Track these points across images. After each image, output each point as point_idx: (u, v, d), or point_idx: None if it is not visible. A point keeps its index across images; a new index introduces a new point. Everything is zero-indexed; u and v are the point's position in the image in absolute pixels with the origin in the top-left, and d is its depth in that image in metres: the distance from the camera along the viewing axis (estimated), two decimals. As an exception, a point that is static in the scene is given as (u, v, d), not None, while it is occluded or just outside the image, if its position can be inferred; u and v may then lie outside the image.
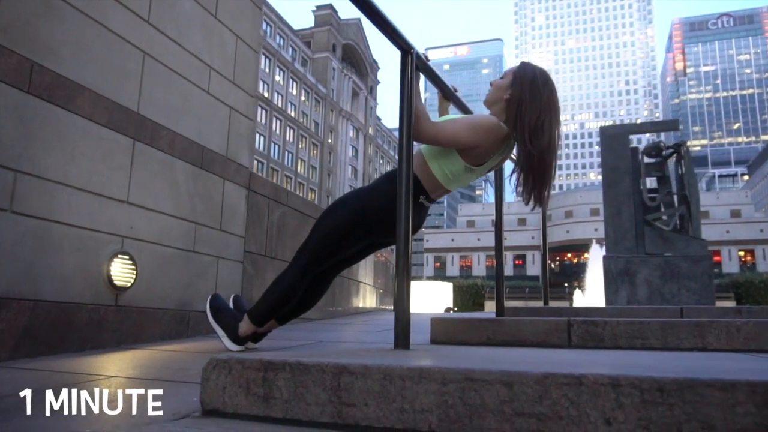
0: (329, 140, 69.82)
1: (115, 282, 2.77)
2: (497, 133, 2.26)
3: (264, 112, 57.95)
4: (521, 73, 2.28)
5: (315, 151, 67.66)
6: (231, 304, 2.72)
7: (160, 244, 3.11)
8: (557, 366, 1.36)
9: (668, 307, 4.35)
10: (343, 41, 74.50)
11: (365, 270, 6.90)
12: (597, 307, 5.16)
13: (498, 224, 3.68)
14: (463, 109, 2.92)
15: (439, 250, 57.23)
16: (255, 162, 54.90)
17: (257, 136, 56.18)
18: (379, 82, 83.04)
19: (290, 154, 62.53)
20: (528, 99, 2.20)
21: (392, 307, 7.72)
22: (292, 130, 63.31)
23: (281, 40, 62.43)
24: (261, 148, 56.63)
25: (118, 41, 2.87)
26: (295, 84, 63.76)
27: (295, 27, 67.95)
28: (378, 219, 2.34)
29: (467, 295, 29.10)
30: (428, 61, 2.37)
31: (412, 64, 2.18)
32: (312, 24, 73.82)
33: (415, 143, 2.23)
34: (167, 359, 2.45)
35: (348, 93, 74.74)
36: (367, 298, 6.85)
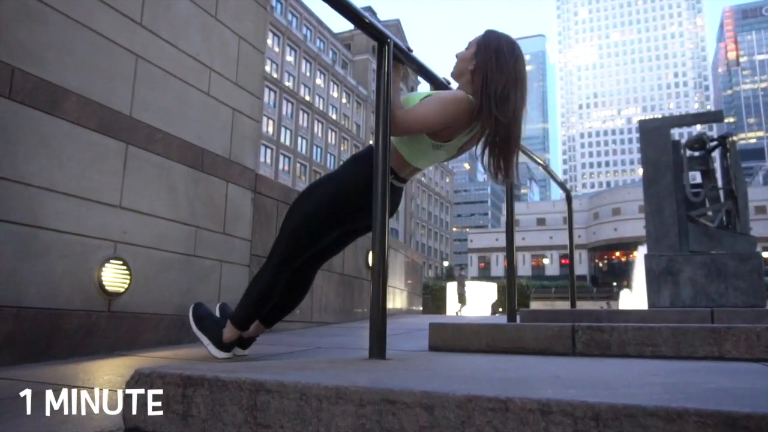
0: (371, 141, 69.72)
1: (106, 287, 2.73)
2: (465, 106, 2.15)
3: (305, 115, 58.61)
4: (485, 42, 2.20)
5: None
6: (218, 313, 2.65)
7: (157, 249, 3.06)
8: (512, 384, 1.21)
9: (697, 309, 4.07)
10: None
11: (393, 270, 6.79)
12: (622, 310, 4.89)
13: (509, 224, 3.51)
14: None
15: (484, 250, 56.61)
16: (297, 165, 55.61)
17: (299, 139, 56.87)
18: (420, 82, 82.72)
19: (332, 157, 63.04)
20: (494, 68, 2.12)
21: (422, 309, 7.57)
22: (333, 133, 63.83)
23: (321, 44, 63.03)
24: (303, 150, 57.29)
25: (108, 44, 2.84)
26: (335, 87, 64.27)
27: (335, 30, 68.52)
28: (349, 203, 2.27)
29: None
30: (411, 51, 2.25)
31: (389, 54, 2.05)
32: (352, 26, 74.12)
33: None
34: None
35: (389, 94, 74.40)
36: (395, 299, 6.73)
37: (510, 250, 3.43)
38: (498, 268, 54.09)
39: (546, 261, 52.46)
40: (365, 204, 2.22)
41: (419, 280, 8.01)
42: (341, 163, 2.47)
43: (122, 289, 2.82)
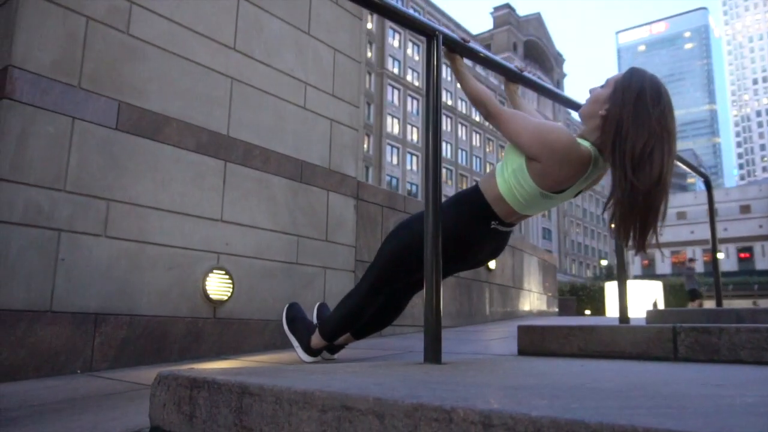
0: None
1: (211, 296, 2.95)
2: (568, 152, 1.86)
3: (449, 119, 58.82)
4: (625, 84, 1.81)
5: (503, 154, 66.53)
6: (315, 313, 2.73)
7: (259, 258, 3.25)
8: (498, 394, 1.11)
9: None
10: (523, 38, 72.79)
11: (526, 273, 6.55)
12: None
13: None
14: (539, 90, 2.60)
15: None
16: (444, 170, 55.92)
17: (444, 144, 57.17)
18: (566, 75, 79.39)
19: (478, 159, 62.53)
20: (631, 118, 1.75)
21: (557, 311, 7.21)
22: (478, 135, 63.33)
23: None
24: (448, 155, 57.49)
25: (204, 71, 3.08)
26: (477, 88, 63.51)
27: (474, 32, 68.12)
28: (443, 248, 1.99)
29: (681, 294, 26.28)
30: (467, 42, 2.15)
31: (437, 48, 1.99)
32: (491, 26, 73.35)
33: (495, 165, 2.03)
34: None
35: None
36: (527, 302, 6.48)
37: (620, 245, 3.13)
38: (664, 265, 49.79)
39: (720, 255, 46.99)
40: (458, 252, 2.13)
41: (554, 282, 7.63)
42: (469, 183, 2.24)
43: (226, 297, 3.02)
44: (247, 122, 3.28)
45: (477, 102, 2.06)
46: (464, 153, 60.16)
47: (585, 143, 1.92)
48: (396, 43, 53.79)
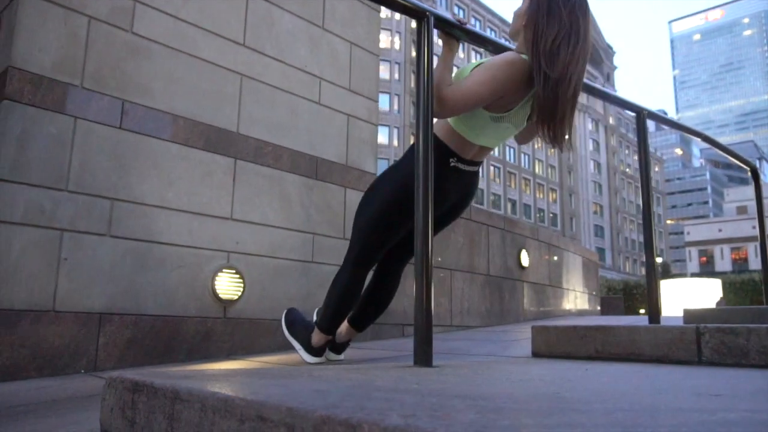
0: (566, 136, 66.76)
1: (220, 296, 2.91)
2: (518, 67, 1.90)
3: (495, 117, 57.97)
4: None
5: (552, 150, 65.15)
6: (315, 317, 2.65)
7: (271, 257, 3.19)
8: (438, 405, 0.99)
9: None
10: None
11: (566, 272, 6.32)
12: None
13: (648, 213, 2.99)
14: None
15: (705, 242, 50.35)
16: (491, 168, 55.21)
17: (491, 142, 56.32)
18: (616, 67, 77.18)
19: (526, 156, 61.47)
20: (545, 18, 1.88)
21: (599, 309, 6.92)
22: (525, 132, 62.16)
23: (505, 42, 61.99)
24: (496, 153, 56.74)
25: (212, 68, 3.04)
26: (524, 84, 62.55)
27: (519, 27, 66.90)
28: (406, 200, 2.03)
29: (742, 292, 25.14)
30: (464, 24, 2.02)
31: (428, 30, 1.86)
32: (536, 20, 71.99)
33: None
34: (273, 373, 2.47)
35: (582, 84, 70.74)
36: (567, 301, 6.24)
37: (648, 237, 2.92)
38: (723, 262, 47.64)
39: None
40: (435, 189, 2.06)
41: (596, 280, 7.33)
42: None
43: (236, 297, 2.97)
44: (258, 119, 3.23)
45: (435, 87, 1.92)
46: (512, 150, 59.21)
47: (524, 57, 1.94)
48: (441, 42, 53.34)
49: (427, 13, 1.87)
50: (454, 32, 2.03)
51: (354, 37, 3.86)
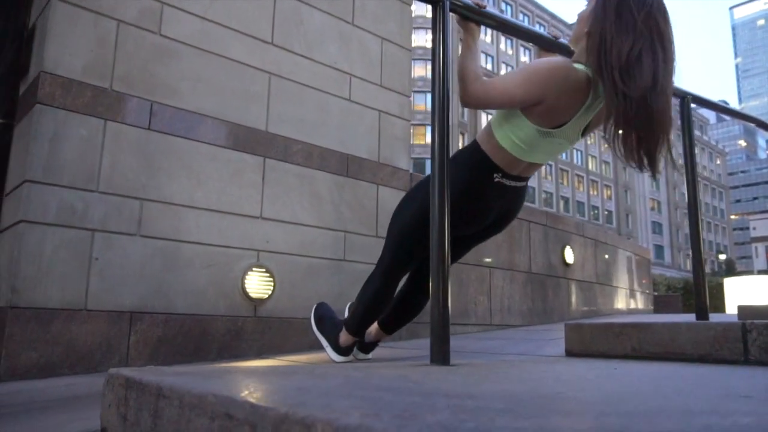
0: (620, 131, 64.90)
1: (250, 294, 2.91)
2: (565, 76, 1.71)
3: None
4: None
5: (605, 145, 63.54)
6: (347, 313, 2.61)
7: (302, 255, 3.17)
8: (424, 405, 0.92)
9: None
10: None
11: (614, 269, 6.09)
12: None
13: (692, 206, 2.81)
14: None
15: (772, 239, 47.83)
16: (552, 167, 54.15)
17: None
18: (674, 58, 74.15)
19: (579, 152, 60.03)
20: (614, 26, 1.62)
21: (653, 309, 6.64)
22: (577, 127, 60.76)
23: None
24: (547, 150, 55.59)
25: (240, 67, 3.05)
26: (575, 79, 61.23)
27: (570, 21, 65.54)
28: (456, 209, 1.96)
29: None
30: (483, 8, 1.93)
31: (444, 16, 1.79)
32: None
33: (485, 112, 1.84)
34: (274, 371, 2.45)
35: (636, 76, 68.77)
36: (611, 298, 6.02)
37: (695, 230, 2.75)
38: (794, 259, 45.14)
39: None
40: (465, 211, 1.96)
41: (649, 278, 7.04)
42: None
43: (266, 295, 2.97)
44: (287, 117, 3.22)
45: (459, 79, 1.86)
46: (577, 152, 57.93)
47: (580, 66, 1.74)
48: (488, 39, 52.76)
49: (442, -1, 1.80)
50: (474, 17, 1.94)
51: (385, 33, 3.81)
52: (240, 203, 2.97)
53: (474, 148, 1.95)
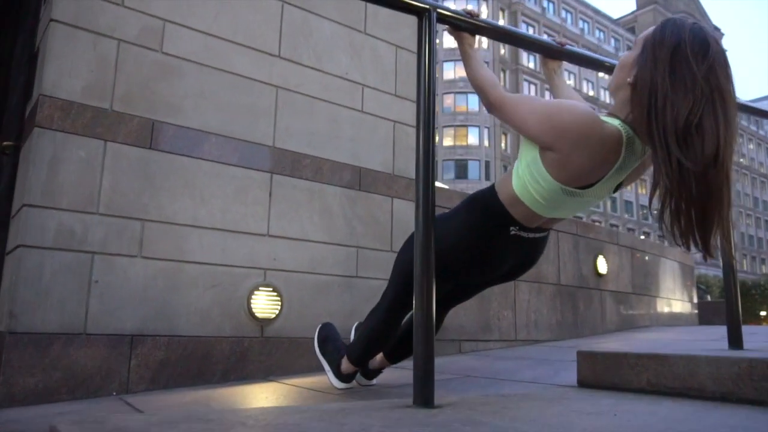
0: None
1: (256, 314, 2.84)
2: (588, 137, 1.45)
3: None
4: (656, 39, 1.41)
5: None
6: (353, 334, 2.52)
7: (311, 273, 3.09)
8: None
9: None
10: (672, 16, 66.85)
11: (650, 275, 5.81)
12: None
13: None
14: (590, 63, 2.15)
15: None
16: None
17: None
18: (725, 51, 71.42)
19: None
20: (668, 80, 1.34)
21: (698, 318, 6.30)
22: (624, 125, 59.10)
23: (601, 34, 59.51)
24: (592, 149, 54.27)
25: (245, 82, 2.99)
26: (621, 75, 59.66)
27: (615, 16, 64.09)
28: (455, 259, 1.78)
29: None
30: (475, 18, 1.80)
31: (428, 27, 1.68)
32: (634, 7, 68.58)
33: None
34: (260, 394, 2.38)
35: (687, 71, 66.57)
36: (650, 309, 5.73)
37: (728, 238, 2.53)
38: None
39: None
40: (475, 261, 1.81)
41: (692, 282, 6.69)
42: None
43: (273, 315, 2.90)
44: (295, 131, 3.14)
45: (477, 90, 1.72)
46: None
47: (614, 122, 1.50)
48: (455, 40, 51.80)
49: (429, 7, 1.68)
50: (467, 27, 1.82)
51: (399, 40, 3.70)
52: (246, 221, 2.90)
53: (491, 195, 1.73)
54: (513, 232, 1.73)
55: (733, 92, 1.38)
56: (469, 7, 1.81)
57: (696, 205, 1.36)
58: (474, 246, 1.75)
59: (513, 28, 2.01)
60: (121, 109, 2.61)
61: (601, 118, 1.50)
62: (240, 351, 2.80)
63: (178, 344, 2.63)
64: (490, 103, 1.67)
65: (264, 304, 2.88)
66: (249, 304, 2.84)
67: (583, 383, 2.09)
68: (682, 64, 1.34)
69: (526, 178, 1.61)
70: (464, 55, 1.80)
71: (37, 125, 2.40)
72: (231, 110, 2.94)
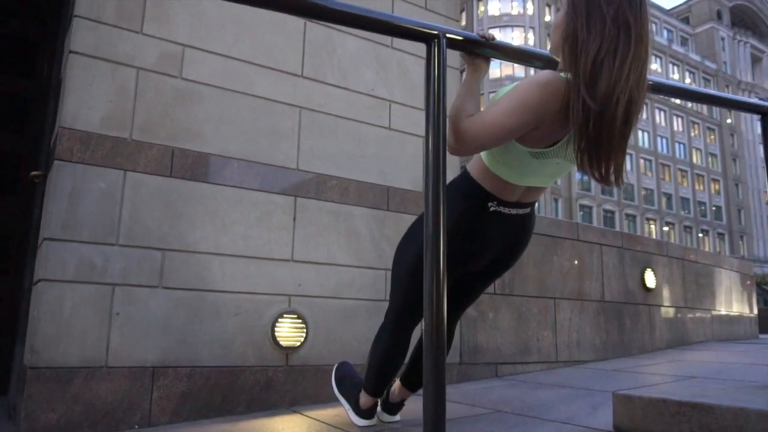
0: (728, 120, 60.33)
1: (281, 343, 2.77)
2: (553, 89, 1.49)
3: (644, 105, 53.90)
4: None
5: (712, 137, 59.30)
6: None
7: (338, 298, 3.00)
8: None
9: None
10: (729, 4, 64.19)
11: (704, 288, 5.50)
12: None
13: None
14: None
15: None
16: (641, 161, 51.24)
17: (639, 133, 52.41)
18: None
19: (681, 146, 56.35)
20: (585, 28, 1.44)
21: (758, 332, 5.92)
22: (679, 119, 57.14)
23: (652, 25, 57.58)
24: (646, 145, 52.74)
25: (267, 104, 2.94)
26: (675, 68, 57.76)
27: (667, 6, 62.01)
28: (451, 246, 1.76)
29: None
30: (491, 40, 1.68)
31: (438, 53, 1.57)
32: (687, -3, 66.10)
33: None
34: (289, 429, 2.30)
35: (746, 61, 63.75)
36: (704, 324, 5.41)
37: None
38: None
39: None
40: (461, 245, 1.78)
41: (751, 294, 6.29)
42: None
43: (298, 343, 2.82)
44: (319, 152, 3.07)
45: (451, 120, 1.62)
46: (664, 140, 54.53)
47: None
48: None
49: (436, 34, 1.57)
50: (481, 51, 1.69)
51: (428, 53, 3.57)
52: (269, 246, 2.84)
53: (463, 176, 1.82)
54: (492, 209, 1.76)
55: (645, 32, 1.45)
56: (486, 32, 1.68)
57: (593, 140, 1.45)
58: (455, 231, 1.71)
59: (537, 50, 1.87)
60: (140, 137, 2.59)
61: (560, 74, 1.53)
62: (264, 381, 2.73)
63: (200, 375, 2.58)
64: (458, 132, 1.58)
65: (289, 331, 2.81)
66: (273, 332, 2.77)
67: (619, 429, 1.93)
68: (594, 10, 1.43)
69: (494, 149, 1.66)
70: (467, 81, 1.69)
71: (57, 158, 2.40)
72: (252, 134, 2.88)
